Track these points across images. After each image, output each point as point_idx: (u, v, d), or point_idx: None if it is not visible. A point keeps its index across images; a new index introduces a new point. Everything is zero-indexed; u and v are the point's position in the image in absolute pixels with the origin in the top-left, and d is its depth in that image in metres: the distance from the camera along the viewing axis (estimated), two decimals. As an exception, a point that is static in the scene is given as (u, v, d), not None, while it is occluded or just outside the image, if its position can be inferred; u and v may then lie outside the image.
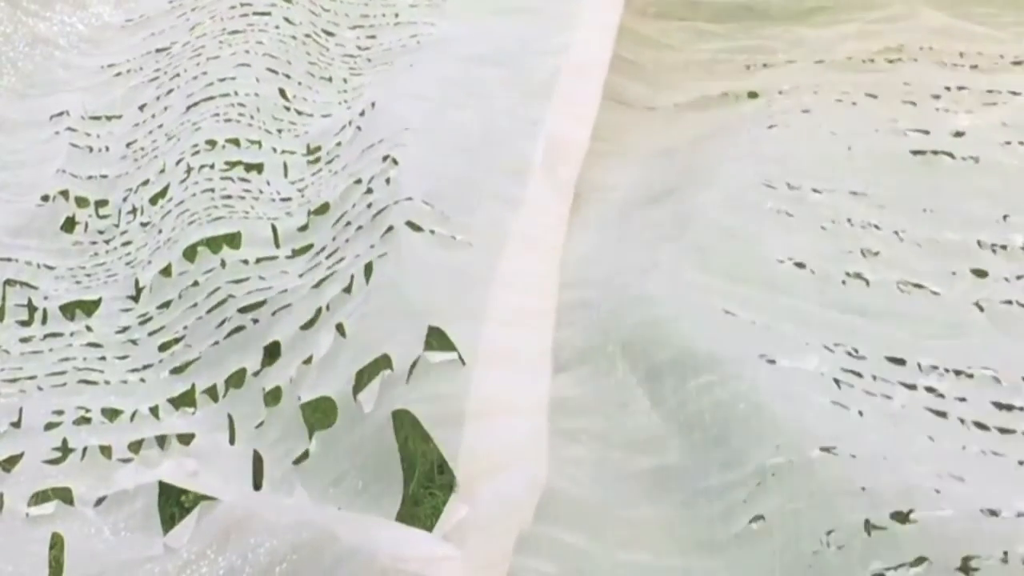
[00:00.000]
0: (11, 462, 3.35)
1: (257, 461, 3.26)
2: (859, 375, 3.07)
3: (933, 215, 3.70)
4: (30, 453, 3.36)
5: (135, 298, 3.95)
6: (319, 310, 3.51)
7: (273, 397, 3.42)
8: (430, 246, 3.59)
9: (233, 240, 3.96)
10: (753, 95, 4.56)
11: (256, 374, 3.51)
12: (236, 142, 4.39)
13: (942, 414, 3.00)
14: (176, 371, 3.63)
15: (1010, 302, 3.39)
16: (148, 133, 4.66)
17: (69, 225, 4.34)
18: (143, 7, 5.49)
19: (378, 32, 5.12)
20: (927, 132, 4.06)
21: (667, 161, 4.17)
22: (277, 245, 3.95)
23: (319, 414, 3.29)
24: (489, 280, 3.49)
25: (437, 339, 3.21)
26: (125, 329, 3.85)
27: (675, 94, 4.72)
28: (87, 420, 3.47)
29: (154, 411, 3.50)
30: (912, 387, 3.06)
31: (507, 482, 2.96)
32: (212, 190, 4.19)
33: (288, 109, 4.58)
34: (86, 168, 4.56)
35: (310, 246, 3.90)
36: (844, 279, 3.44)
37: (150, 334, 3.79)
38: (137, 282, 3.98)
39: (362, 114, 4.30)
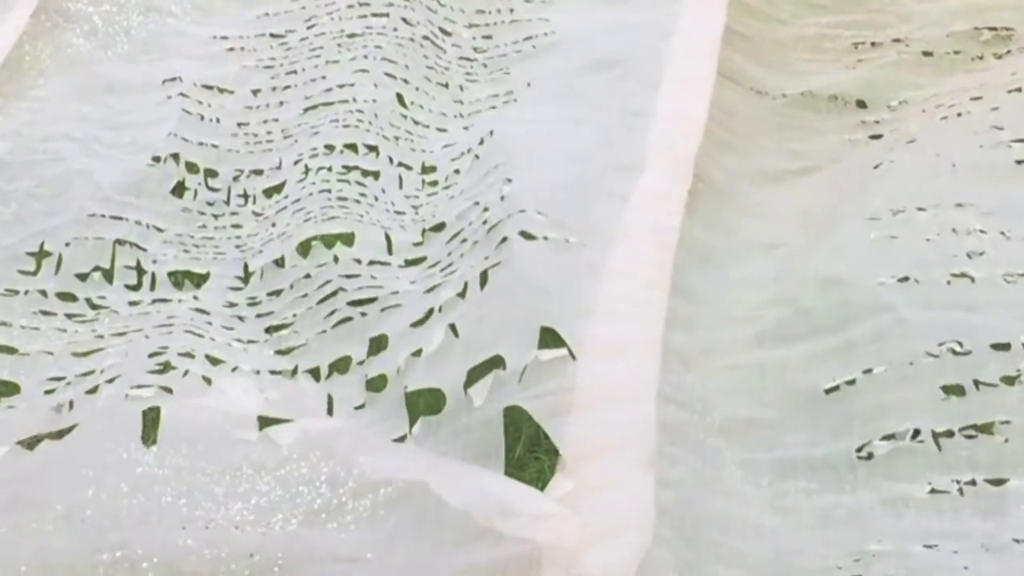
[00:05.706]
0: (115, 378, 3.49)
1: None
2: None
3: None
4: (134, 367, 3.50)
5: (243, 279, 4.04)
6: (431, 310, 3.60)
7: (377, 383, 3.52)
8: (544, 252, 3.67)
9: (347, 239, 4.04)
10: (861, 104, 4.62)
11: (361, 363, 3.60)
12: (354, 148, 4.47)
13: None
14: (280, 353, 3.72)
15: None
16: (262, 122, 4.76)
17: (179, 190, 4.43)
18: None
19: (494, 32, 5.16)
20: None
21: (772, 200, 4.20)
22: (390, 252, 4.00)
23: (423, 404, 3.38)
24: (599, 274, 3.56)
25: (550, 337, 3.31)
26: (233, 305, 3.94)
27: (783, 80, 4.76)
28: (191, 356, 3.58)
29: (256, 373, 3.59)
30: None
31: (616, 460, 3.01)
32: (329, 191, 4.27)
33: (405, 117, 4.64)
34: (197, 134, 4.65)
35: (423, 259, 3.97)
36: (949, 280, 3.49)
37: (258, 316, 3.88)
38: (246, 267, 4.08)
39: (481, 143, 4.37)
